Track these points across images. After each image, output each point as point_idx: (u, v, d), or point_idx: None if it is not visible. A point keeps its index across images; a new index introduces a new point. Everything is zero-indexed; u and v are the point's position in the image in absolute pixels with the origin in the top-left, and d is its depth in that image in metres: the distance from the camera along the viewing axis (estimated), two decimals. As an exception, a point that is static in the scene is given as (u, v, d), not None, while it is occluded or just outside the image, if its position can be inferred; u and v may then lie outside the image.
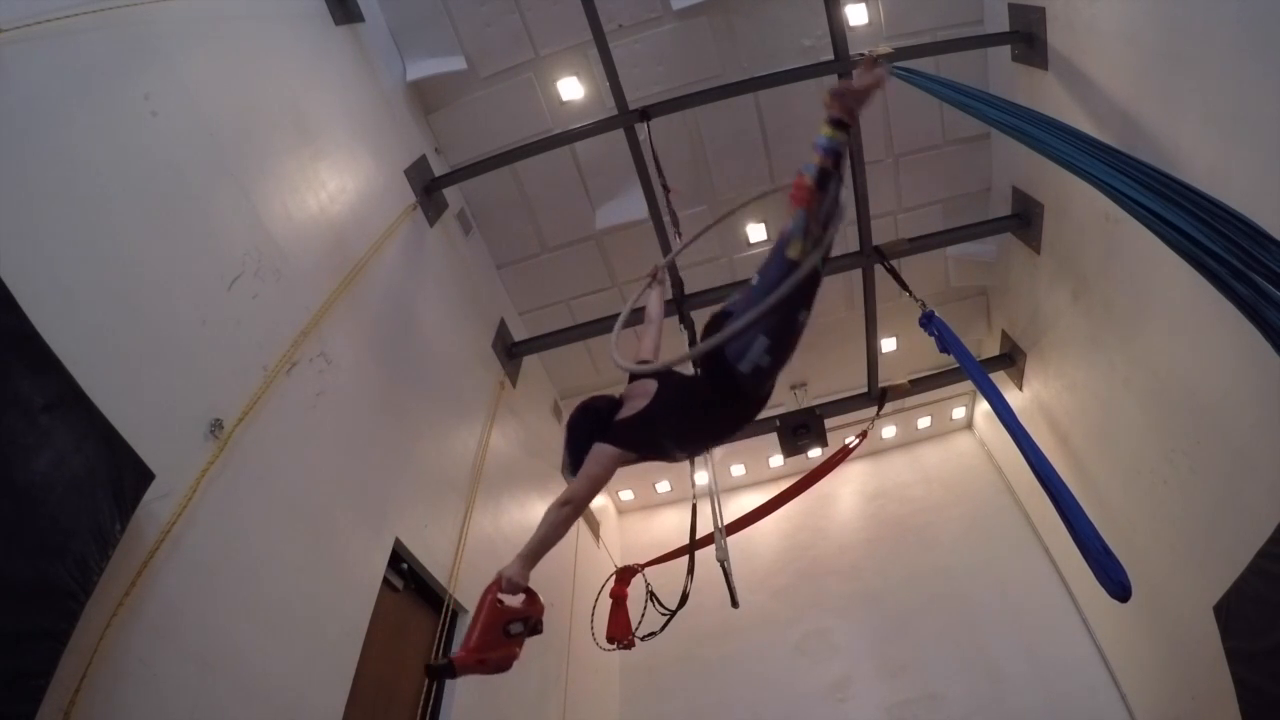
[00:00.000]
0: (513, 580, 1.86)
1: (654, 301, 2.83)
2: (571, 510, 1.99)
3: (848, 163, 2.11)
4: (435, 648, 3.52)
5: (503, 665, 1.79)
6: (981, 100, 3.46)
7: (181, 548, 2.17)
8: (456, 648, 1.78)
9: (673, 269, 4.97)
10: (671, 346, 5.22)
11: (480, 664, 1.74)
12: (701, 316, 5.50)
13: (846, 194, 2.34)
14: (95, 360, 2.04)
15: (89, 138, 2.34)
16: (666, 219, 4.63)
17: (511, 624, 1.82)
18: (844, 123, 1.72)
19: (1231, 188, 2.79)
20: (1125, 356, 4.27)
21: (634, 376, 2.30)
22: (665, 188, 4.56)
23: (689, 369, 2.40)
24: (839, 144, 1.74)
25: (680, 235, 4.51)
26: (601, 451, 2.05)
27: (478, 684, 3.81)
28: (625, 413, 2.18)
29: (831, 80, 4.78)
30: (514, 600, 1.88)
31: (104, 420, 1.94)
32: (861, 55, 4.47)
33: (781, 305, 1.74)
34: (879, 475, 7.49)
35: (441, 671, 1.77)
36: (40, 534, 1.67)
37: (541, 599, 1.95)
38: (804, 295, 1.90)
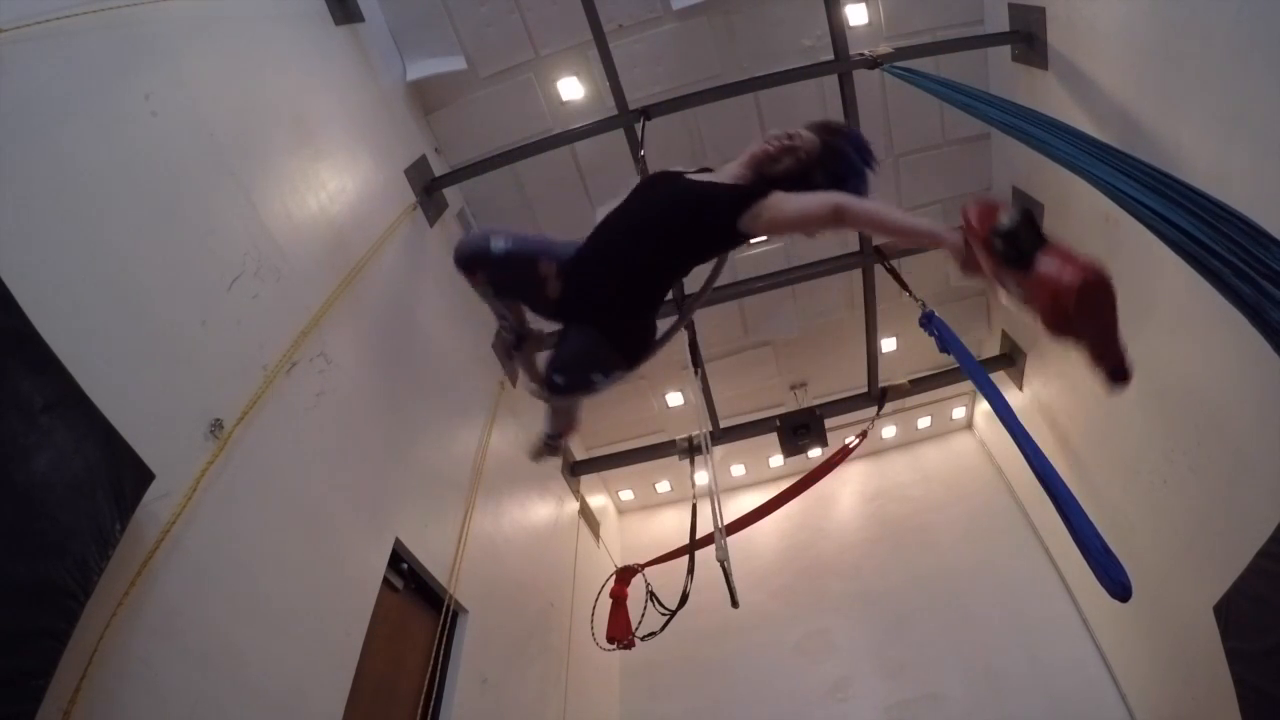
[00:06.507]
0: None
1: None
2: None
3: None
4: (436, 648, 3.52)
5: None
6: (981, 100, 3.47)
7: (181, 548, 2.16)
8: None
9: None
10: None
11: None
12: (701, 316, 5.47)
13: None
14: (95, 360, 2.04)
15: (89, 137, 2.34)
16: None
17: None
18: None
19: (1232, 188, 2.79)
20: (1125, 356, 4.27)
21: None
22: None
23: None
24: None
25: None
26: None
27: (478, 684, 3.81)
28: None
29: (832, 82, 4.78)
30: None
31: (104, 420, 1.93)
32: (862, 55, 4.49)
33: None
34: (879, 475, 7.49)
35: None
36: (40, 534, 1.66)
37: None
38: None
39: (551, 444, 2.87)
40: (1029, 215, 1.45)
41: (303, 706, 2.52)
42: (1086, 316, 1.39)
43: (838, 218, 1.77)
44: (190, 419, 2.37)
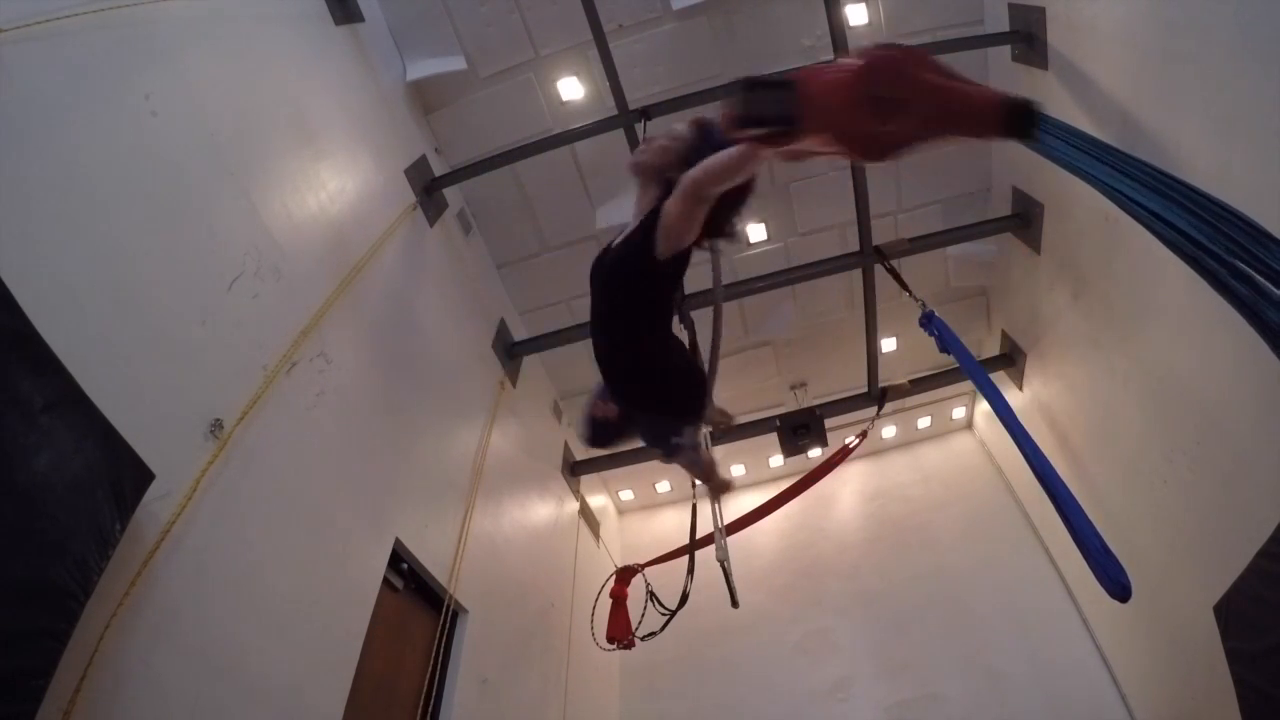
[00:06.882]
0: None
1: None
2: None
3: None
4: (436, 648, 3.52)
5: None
6: (981, 100, 3.46)
7: (181, 548, 2.17)
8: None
9: None
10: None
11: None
12: (701, 316, 5.52)
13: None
14: (95, 360, 2.04)
15: (89, 138, 2.34)
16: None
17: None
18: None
19: (1231, 187, 2.79)
20: (1125, 356, 4.27)
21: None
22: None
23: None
24: None
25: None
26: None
27: (478, 684, 3.81)
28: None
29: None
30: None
31: (104, 420, 1.93)
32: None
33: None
34: (879, 475, 7.49)
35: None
36: (40, 534, 1.67)
37: None
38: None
39: (713, 486, 3.36)
40: (751, 84, 1.27)
41: (303, 706, 2.52)
42: (899, 108, 1.11)
43: (695, 192, 1.83)
44: (190, 419, 2.37)
